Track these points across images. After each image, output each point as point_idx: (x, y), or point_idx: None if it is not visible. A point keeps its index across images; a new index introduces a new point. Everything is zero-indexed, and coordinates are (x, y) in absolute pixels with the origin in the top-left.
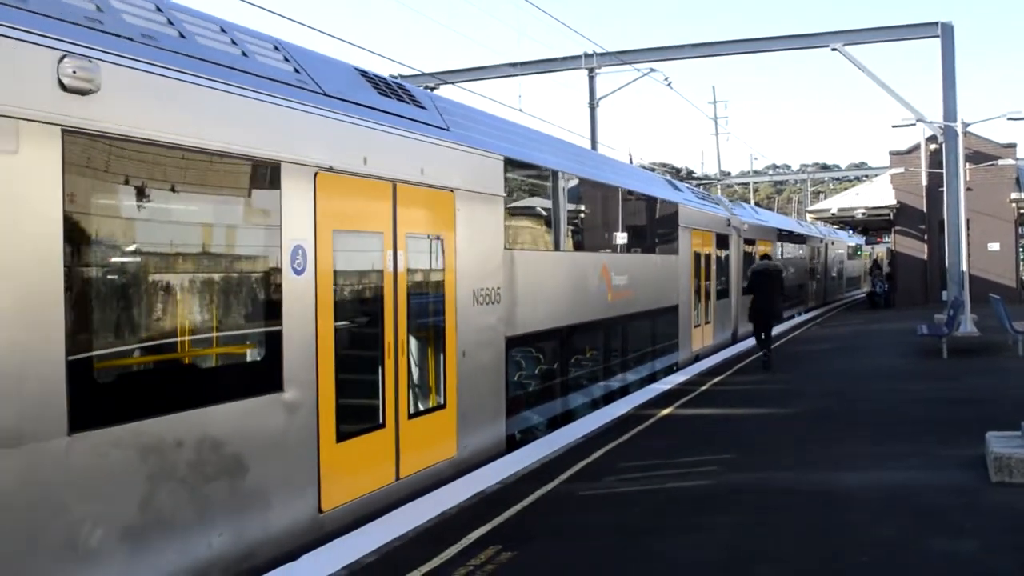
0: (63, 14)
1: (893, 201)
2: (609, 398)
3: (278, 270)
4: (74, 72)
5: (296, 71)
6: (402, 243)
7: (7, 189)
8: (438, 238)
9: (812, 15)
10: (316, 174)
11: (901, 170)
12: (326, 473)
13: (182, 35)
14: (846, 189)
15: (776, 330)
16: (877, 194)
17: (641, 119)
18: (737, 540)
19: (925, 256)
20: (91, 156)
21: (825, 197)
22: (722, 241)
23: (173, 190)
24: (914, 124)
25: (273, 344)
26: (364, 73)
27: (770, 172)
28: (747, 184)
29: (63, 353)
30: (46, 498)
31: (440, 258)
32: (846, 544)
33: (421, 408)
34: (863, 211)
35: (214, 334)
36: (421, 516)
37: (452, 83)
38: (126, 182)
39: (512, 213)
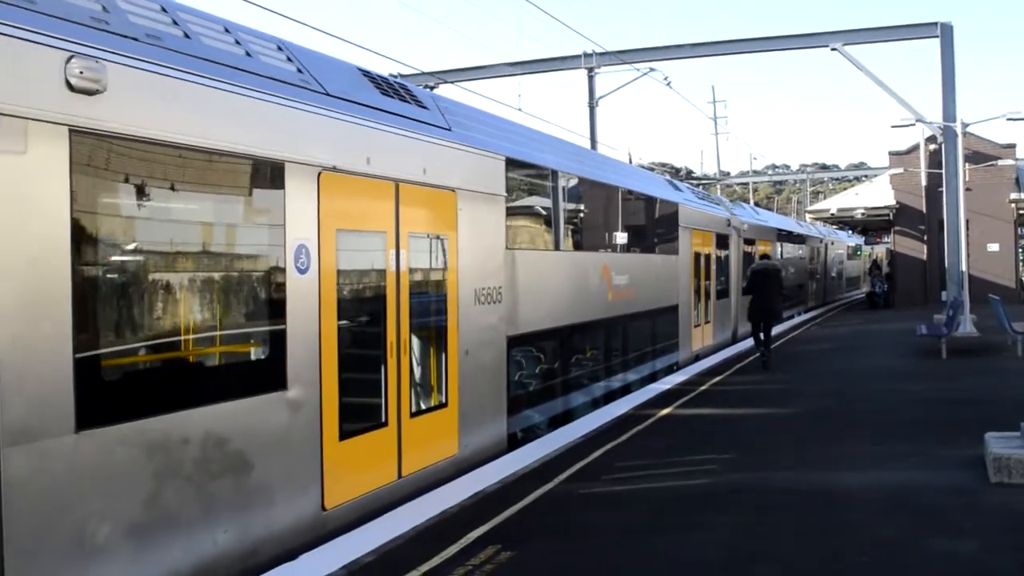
0: (70, 15)
1: (892, 201)
2: (610, 397)
3: (282, 269)
4: (81, 72)
5: (299, 71)
6: (404, 243)
7: (15, 189)
8: (440, 238)
9: (811, 15)
10: (320, 174)
11: (900, 170)
12: (329, 471)
13: (187, 35)
14: (845, 189)
15: (776, 330)
16: (876, 194)
17: (641, 119)
18: (737, 540)
19: (924, 256)
20: (98, 156)
21: (824, 197)
22: (722, 241)
23: (178, 190)
24: (913, 124)
25: (277, 343)
26: (367, 73)
27: (769, 172)
28: (746, 184)
29: (70, 351)
30: (54, 495)
31: (442, 257)
32: (846, 544)
33: (423, 407)
34: (862, 211)
35: (219, 333)
36: (421, 515)
37: (452, 82)
38: (132, 182)
39: (513, 213)
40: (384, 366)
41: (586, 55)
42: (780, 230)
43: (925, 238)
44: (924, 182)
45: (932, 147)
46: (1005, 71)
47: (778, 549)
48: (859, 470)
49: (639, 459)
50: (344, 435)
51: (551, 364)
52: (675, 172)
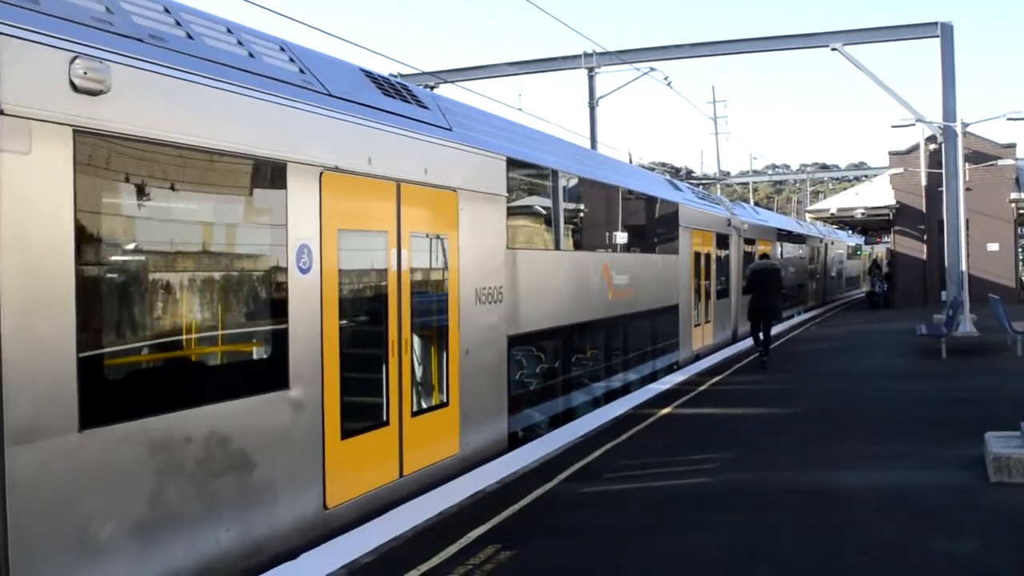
0: (74, 15)
1: (892, 201)
2: (610, 397)
3: (284, 269)
4: (85, 73)
5: (301, 72)
6: (406, 242)
7: (20, 189)
8: (441, 237)
9: (811, 15)
10: (322, 174)
11: (900, 170)
12: (331, 470)
13: (190, 36)
14: (845, 189)
15: (775, 330)
16: (876, 194)
17: (641, 119)
18: (737, 539)
19: (924, 256)
20: (101, 156)
21: (824, 197)
22: (722, 241)
23: (181, 190)
24: (913, 124)
25: (279, 342)
26: (368, 73)
27: (769, 172)
28: (746, 184)
29: (74, 351)
30: (58, 493)
31: (443, 257)
32: (846, 544)
33: (424, 406)
34: (862, 211)
35: (221, 332)
36: (421, 515)
37: (452, 82)
38: (135, 182)
39: (514, 212)
40: (385, 365)
41: (586, 55)
42: (780, 230)
43: (925, 238)
44: (924, 182)
45: (932, 147)
46: (1005, 71)
47: (778, 549)
48: (859, 470)
49: (639, 459)
50: (346, 434)
51: (552, 363)
52: (675, 172)
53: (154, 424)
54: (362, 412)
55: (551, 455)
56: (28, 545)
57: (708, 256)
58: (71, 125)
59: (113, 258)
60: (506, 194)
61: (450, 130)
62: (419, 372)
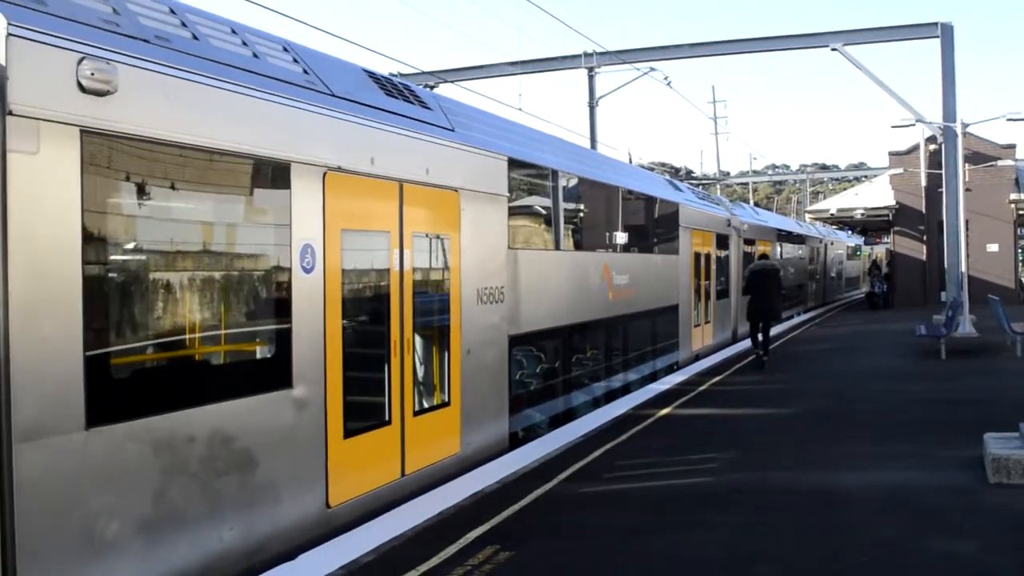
0: (81, 16)
1: (892, 202)
2: (611, 396)
3: (288, 269)
4: (92, 74)
5: (305, 72)
6: (408, 242)
7: (28, 189)
8: (443, 237)
9: (811, 15)
10: (325, 174)
11: (900, 171)
12: (334, 469)
13: (195, 37)
14: (845, 189)
15: (775, 330)
16: (876, 194)
17: (641, 119)
18: (737, 539)
19: (924, 257)
20: (108, 156)
21: (824, 197)
22: (722, 241)
23: (187, 190)
24: (913, 124)
25: (283, 342)
26: (371, 74)
27: (769, 172)
28: (746, 184)
29: (81, 349)
30: (64, 491)
31: (445, 257)
32: (846, 544)
33: (426, 405)
34: (862, 211)
35: (225, 331)
36: (420, 515)
37: (452, 82)
38: (142, 182)
39: (515, 213)
40: (388, 365)
41: (586, 55)
42: (780, 230)
43: (925, 238)
44: (924, 182)
45: (932, 147)
46: (1005, 71)
47: (778, 549)
48: (859, 470)
49: (639, 459)
50: (348, 433)
51: (552, 363)
52: (675, 172)
53: (159, 423)
54: (364, 411)
55: (551, 455)
56: (35, 542)
57: (708, 256)
58: (78, 125)
59: (119, 258)
60: (507, 194)
61: (452, 130)
62: (421, 372)
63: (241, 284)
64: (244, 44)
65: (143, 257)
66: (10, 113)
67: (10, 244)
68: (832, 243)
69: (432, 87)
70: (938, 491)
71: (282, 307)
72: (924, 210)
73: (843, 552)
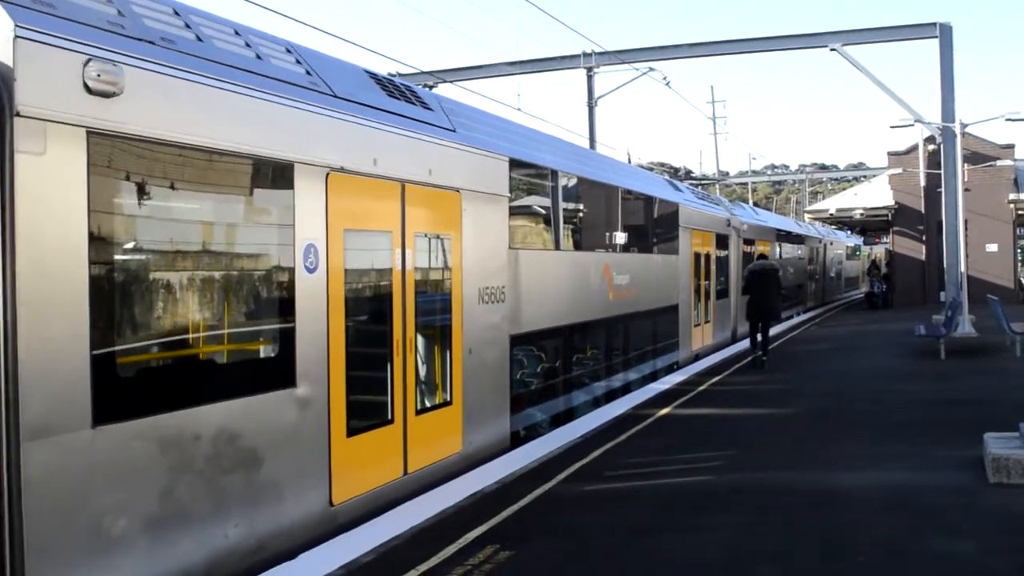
0: (87, 18)
1: (891, 202)
2: (611, 396)
3: (291, 269)
4: (98, 75)
5: (308, 73)
6: (410, 242)
7: (35, 189)
8: (445, 237)
9: (811, 15)
10: (328, 174)
11: (899, 171)
12: (337, 467)
13: (199, 38)
14: (844, 189)
15: (774, 330)
16: (875, 195)
17: (640, 119)
18: (737, 539)
19: (923, 257)
20: (114, 157)
21: (823, 197)
22: (722, 241)
23: (192, 191)
24: (912, 125)
25: (286, 341)
26: (373, 75)
27: (768, 172)
28: (745, 184)
29: (87, 349)
30: (72, 488)
31: (447, 257)
32: (846, 544)
33: (428, 404)
34: (861, 212)
35: (230, 331)
36: (420, 515)
37: (451, 82)
38: (147, 183)
39: (516, 213)
40: (390, 364)
41: (585, 55)
42: (779, 230)
43: (924, 238)
44: (923, 182)
45: (931, 147)
46: (1005, 71)
47: (779, 549)
48: (858, 470)
49: (638, 458)
50: (351, 432)
51: (553, 363)
52: (674, 172)
53: (165, 421)
54: (367, 410)
55: (551, 455)
56: (43, 539)
57: (708, 256)
58: (85, 127)
59: (125, 258)
60: (508, 194)
61: (454, 131)
62: (423, 371)
63: (245, 284)
64: (247, 46)
65: (149, 257)
66: (17, 114)
67: (18, 244)
68: (831, 243)
69: (431, 87)
70: (938, 491)
71: (286, 307)
72: (923, 210)
73: (843, 552)
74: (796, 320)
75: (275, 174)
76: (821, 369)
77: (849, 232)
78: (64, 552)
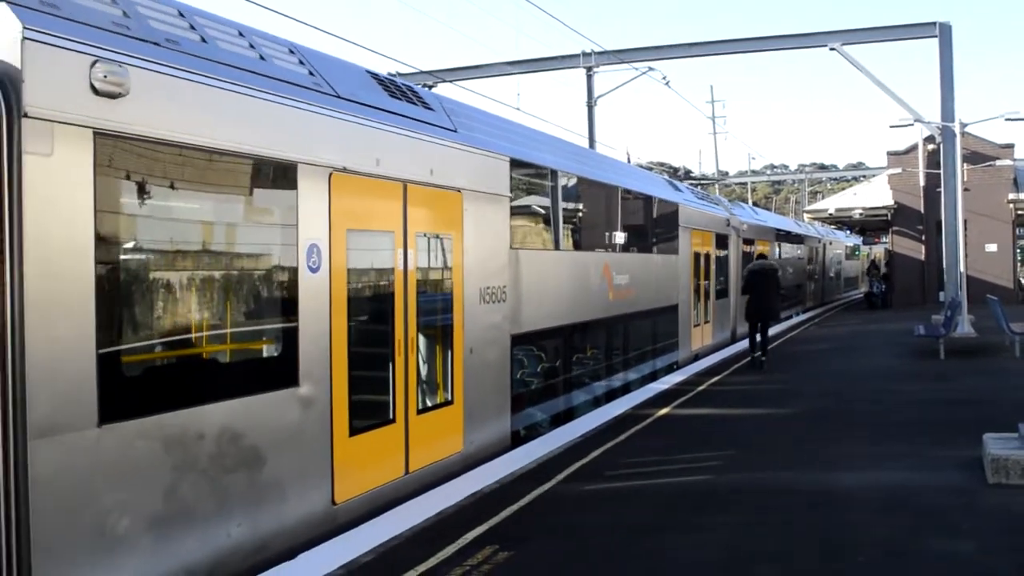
0: (93, 20)
1: (891, 201)
2: (611, 396)
3: (295, 268)
4: (105, 76)
5: (311, 74)
6: (412, 242)
7: (42, 190)
8: (446, 237)
9: (810, 15)
10: (331, 175)
11: (899, 170)
12: (339, 466)
13: (203, 40)
14: (844, 189)
15: (774, 330)
16: (875, 194)
17: (639, 118)
18: (737, 539)
19: (923, 257)
20: (120, 158)
21: (823, 197)
22: (721, 241)
23: (197, 191)
24: (912, 124)
25: (290, 340)
26: (375, 76)
27: (768, 172)
28: (745, 184)
29: (94, 348)
30: (78, 486)
31: (448, 257)
32: (846, 544)
33: (429, 404)
34: (861, 211)
35: (234, 330)
36: (420, 514)
37: (450, 81)
38: (153, 183)
39: (517, 213)
40: (392, 364)
41: (585, 54)
42: (779, 230)
43: (923, 238)
44: (922, 182)
45: (930, 147)
46: (1005, 71)
47: (778, 549)
48: (858, 470)
49: (638, 458)
50: (353, 431)
51: (553, 363)
52: (673, 172)
53: (170, 420)
54: (369, 410)
55: (550, 455)
56: (50, 537)
57: (707, 256)
58: (91, 127)
59: (131, 258)
60: (509, 194)
61: (455, 131)
62: (424, 370)
63: (249, 284)
64: (251, 47)
65: (154, 257)
66: (25, 115)
67: (26, 245)
68: (831, 243)
69: (430, 87)
70: (937, 491)
71: (289, 306)
72: (923, 210)
73: (842, 552)
74: (795, 320)
75: (279, 174)
76: (820, 369)
77: (848, 232)
78: (70, 550)
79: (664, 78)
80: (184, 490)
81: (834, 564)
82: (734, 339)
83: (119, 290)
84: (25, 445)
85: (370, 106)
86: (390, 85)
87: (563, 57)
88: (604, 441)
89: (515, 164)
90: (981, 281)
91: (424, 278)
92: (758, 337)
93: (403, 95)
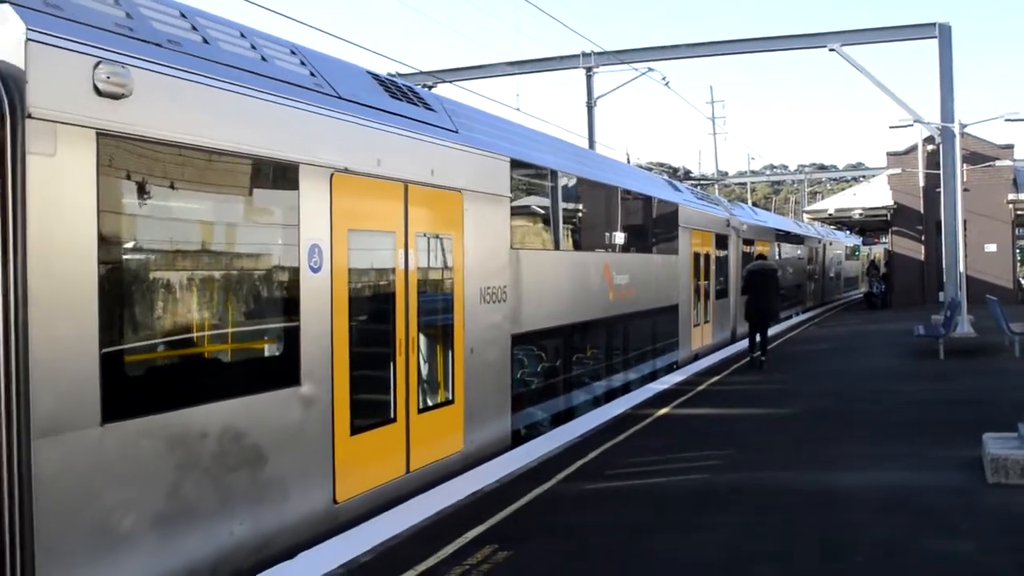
0: (96, 21)
1: (890, 202)
2: (611, 395)
3: (296, 268)
4: (108, 77)
5: (312, 75)
6: (413, 242)
7: (45, 190)
8: (447, 237)
9: (810, 15)
10: (332, 175)
11: (898, 171)
12: (340, 465)
13: (205, 41)
14: (843, 190)
15: (773, 330)
16: (874, 195)
17: (638, 119)
18: (737, 539)
19: (922, 257)
20: (123, 158)
21: (822, 197)
22: (721, 241)
23: (199, 191)
24: (911, 125)
25: (291, 340)
26: (376, 76)
27: (767, 172)
28: (744, 184)
29: (96, 348)
30: (81, 485)
31: (449, 257)
32: (845, 544)
33: (430, 403)
34: (860, 212)
35: (236, 330)
36: (420, 514)
37: (450, 82)
38: (155, 183)
39: (517, 213)
40: (393, 363)
41: (584, 55)
42: (778, 230)
43: (923, 239)
44: (922, 183)
45: (930, 148)
46: (1004, 71)
47: (778, 549)
48: (857, 470)
49: (637, 458)
50: (355, 430)
51: (554, 362)
52: (673, 172)
53: (173, 419)
54: (370, 409)
55: (549, 455)
56: (53, 536)
57: (707, 256)
58: (94, 128)
59: (133, 258)
60: (510, 195)
61: (456, 132)
62: (425, 370)
63: (251, 284)
64: (253, 48)
65: (157, 257)
66: (29, 116)
67: (29, 244)
68: (830, 243)
69: (430, 87)
70: (937, 491)
71: (291, 306)
72: (922, 210)
73: (842, 552)
74: (795, 320)
75: (280, 175)
76: (820, 369)
77: (848, 232)
78: (74, 548)
79: (664, 78)
80: (187, 489)
81: (834, 564)
82: (734, 339)
83: (121, 290)
84: (29, 444)
85: (371, 107)
86: (391, 86)
87: (563, 57)
88: (603, 441)
89: (515, 165)
90: (980, 281)
91: (425, 278)
92: (757, 337)
93: (404, 96)
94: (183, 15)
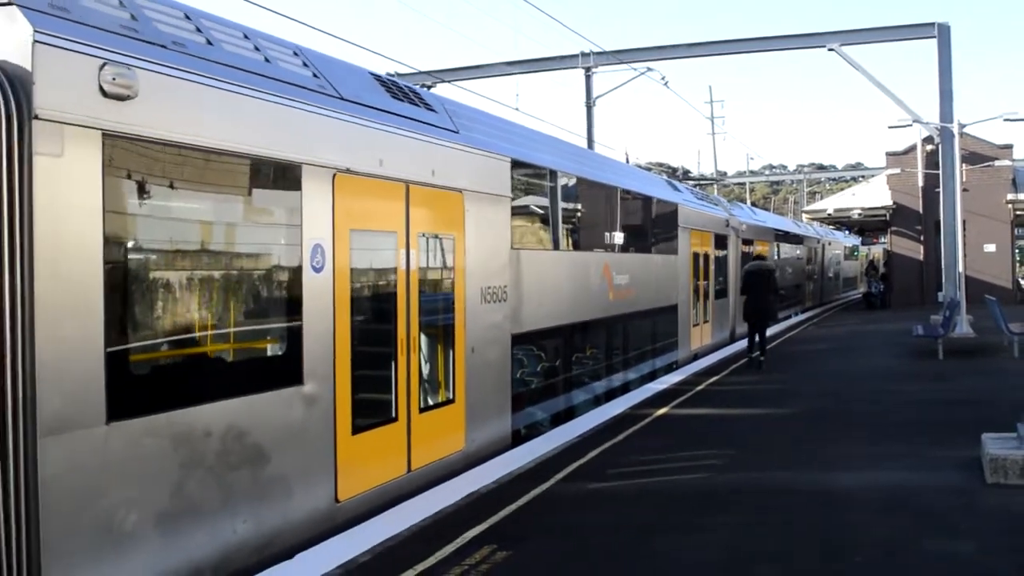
0: (101, 23)
1: (889, 202)
2: (611, 395)
3: (299, 268)
4: (113, 79)
5: (315, 76)
6: (414, 242)
7: (51, 190)
8: (448, 237)
9: (809, 15)
10: (335, 175)
11: (897, 171)
12: (342, 464)
13: (209, 42)
14: (842, 190)
15: (772, 330)
16: (873, 195)
17: (638, 119)
18: (737, 540)
19: (921, 257)
20: (129, 159)
21: (821, 197)
22: (720, 241)
23: (203, 192)
24: (910, 125)
25: (294, 339)
26: (378, 77)
27: (766, 172)
28: (743, 184)
29: (102, 347)
30: (86, 483)
31: (450, 257)
32: (845, 544)
33: (431, 403)
34: (859, 212)
35: (239, 329)
36: (419, 514)
37: (449, 81)
38: (160, 184)
39: (518, 213)
40: (394, 362)
41: (583, 55)
42: (778, 230)
43: (922, 239)
44: (921, 183)
45: (929, 148)
46: (1004, 71)
47: (778, 549)
48: (857, 470)
49: (636, 458)
50: (356, 429)
51: (554, 362)
52: (672, 172)
53: (177, 418)
54: (372, 408)
55: (549, 455)
56: (58, 534)
57: (707, 256)
58: (100, 129)
59: (139, 257)
60: (510, 195)
61: (456, 132)
62: (426, 370)
63: (254, 283)
64: (256, 49)
65: (162, 257)
66: (36, 117)
67: (36, 245)
68: (829, 243)
69: (430, 87)
70: (936, 491)
71: (293, 306)
72: (921, 210)
73: (842, 552)
74: (794, 320)
75: (283, 175)
76: (819, 369)
77: (847, 232)
78: (79, 546)
79: (663, 78)
80: (191, 487)
81: (834, 564)
82: (733, 339)
83: (127, 289)
84: (35, 443)
85: (373, 108)
86: (393, 87)
87: (562, 57)
88: (603, 441)
89: (516, 165)
90: (979, 281)
91: (426, 278)
92: (756, 337)
93: (405, 97)
94: (187, 17)
